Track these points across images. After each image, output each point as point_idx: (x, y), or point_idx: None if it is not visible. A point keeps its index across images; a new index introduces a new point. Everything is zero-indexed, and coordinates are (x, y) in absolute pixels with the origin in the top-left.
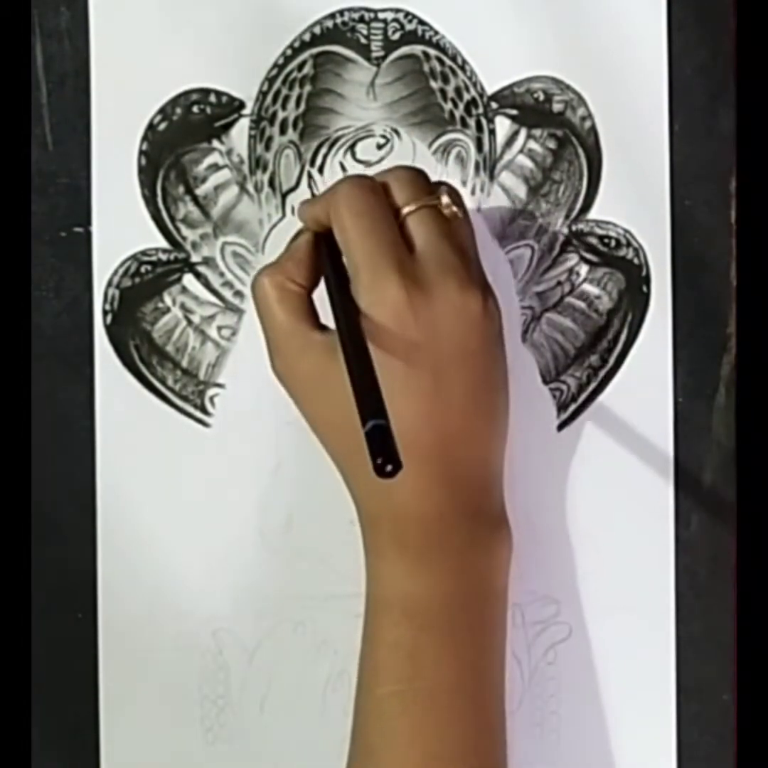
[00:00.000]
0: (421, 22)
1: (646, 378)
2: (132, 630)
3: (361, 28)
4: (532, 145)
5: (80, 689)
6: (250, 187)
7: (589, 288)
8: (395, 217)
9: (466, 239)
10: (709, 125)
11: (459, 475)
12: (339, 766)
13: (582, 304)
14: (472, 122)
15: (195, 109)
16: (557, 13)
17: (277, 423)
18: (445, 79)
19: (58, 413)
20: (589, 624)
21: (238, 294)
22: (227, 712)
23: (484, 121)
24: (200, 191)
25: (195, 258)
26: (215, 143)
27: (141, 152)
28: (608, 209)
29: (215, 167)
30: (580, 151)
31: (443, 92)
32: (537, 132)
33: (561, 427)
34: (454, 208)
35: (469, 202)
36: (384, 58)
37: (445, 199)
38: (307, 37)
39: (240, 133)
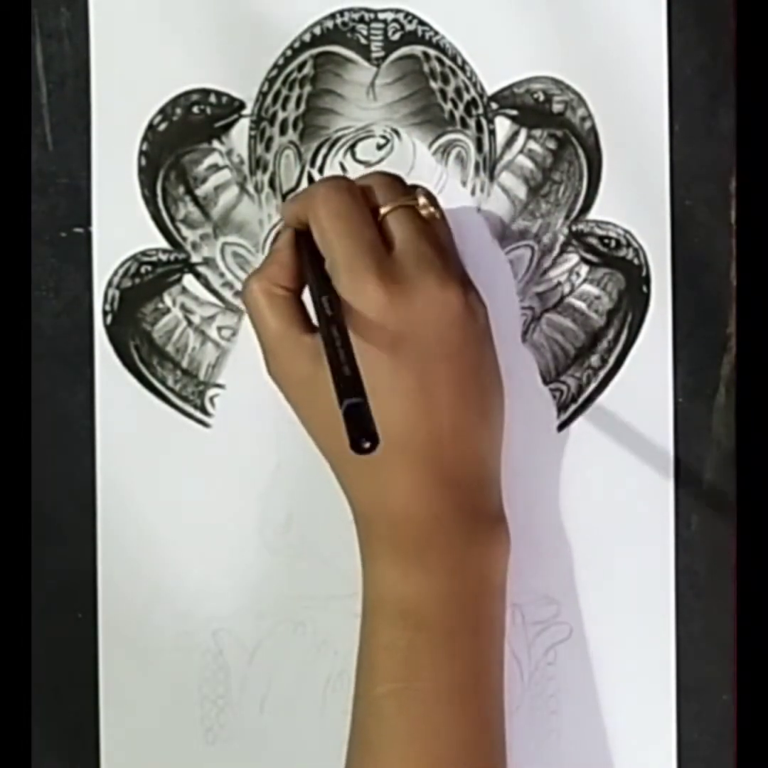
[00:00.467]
0: (421, 23)
1: (646, 378)
2: (132, 630)
3: (361, 28)
4: (532, 145)
5: (80, 689)
6: (250, 187)
7: (589, 288)
8: (374, 218)
9: (443, 238)
10: (709, 125)
11: (452, 474)
12: (339, 766)
13: (582, 305)
14: (472, 123)
15: (195, 109)
16: (557, 14)
17: (277, 423)
18: (445, 80)
19: (58, 413)
20: (589, 624)
21: (239, 294)
22: (227, 713)
23: (484, 122)
24: (200, 192)
25: (195, 258)
26: (215, 144)
27: (141, 152)
28: (608, 209)
29: (215, 168)
30: (580, 151)
31: (443, 93)
32: (537, 132)
33: (561, 427)
34: (431, 209)
35: (469, 202)
36: (384, 58)
37: (421, 200)
38: (307, 37)
39: (240, 133)
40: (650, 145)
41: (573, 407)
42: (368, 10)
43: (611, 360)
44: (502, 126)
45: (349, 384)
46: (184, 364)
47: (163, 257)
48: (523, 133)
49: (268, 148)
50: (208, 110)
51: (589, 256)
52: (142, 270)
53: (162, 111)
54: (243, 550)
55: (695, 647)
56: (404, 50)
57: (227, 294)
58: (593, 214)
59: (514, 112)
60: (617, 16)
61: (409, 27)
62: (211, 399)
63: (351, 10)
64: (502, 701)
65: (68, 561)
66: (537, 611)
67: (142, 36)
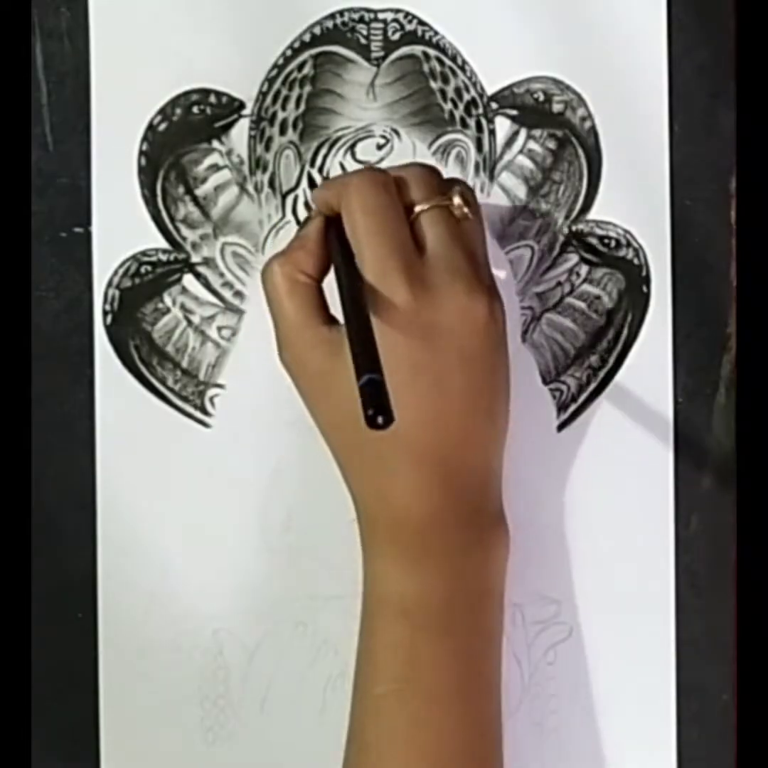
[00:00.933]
0: (421, 23)
1: (646, 378)
2: (132, 630)
3: (361, 28)
4: (532, 145)
5: (80, 689)
6: (250, 187)
7: (589, 288)
8: (407, 215)
9: (476, 241)
10: (709, 125)
11: (457, 476)
12: (339, 766)
13: (582, 305)
14: (472, 122)
15: (195, 109)
16: (557, 14)
17: (278, 423)
18: (445, 80)
19: (58, 413)
20: (589, 624)
21: (238, 294)
22: (227, 712)
23: (484, 122)
24: (200, 191)
25: (195, 258)
26: (215, 144)
27: (141, 152)
28: (608, 209)
29: (215, 168)
30: (580, 151)
31: (443, 92)
32: (537, 132)
33: (561, 427)
34: (466, 209)
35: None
36: (384, 58)
37: (456, 200)
38: (307, 37)
39: (240, 133)
40: (650, 145)
41: (573, 407)
42: (368, 10)
43: (611, 360)
44: (502, 126)
45: (367, 360)
46: (184, 364)
47: (163, 257)
48: (523, 133)
49: (267, 148)
50: (208, 110)
51: (589, 256)
52: (142, 270)
53: (162, 111)
54: (243, 550)
55: (695, 647)
56: (404, 50)
57: (227, 294)
58: (593, 214)
59: (514, 112)
60: (617, 16)
61: (409, 27)
62: (211, 399)
63: (351, 10)
64: (499, 701)
65: (68, 561)
66: (537, 611)
67: (141, 36)
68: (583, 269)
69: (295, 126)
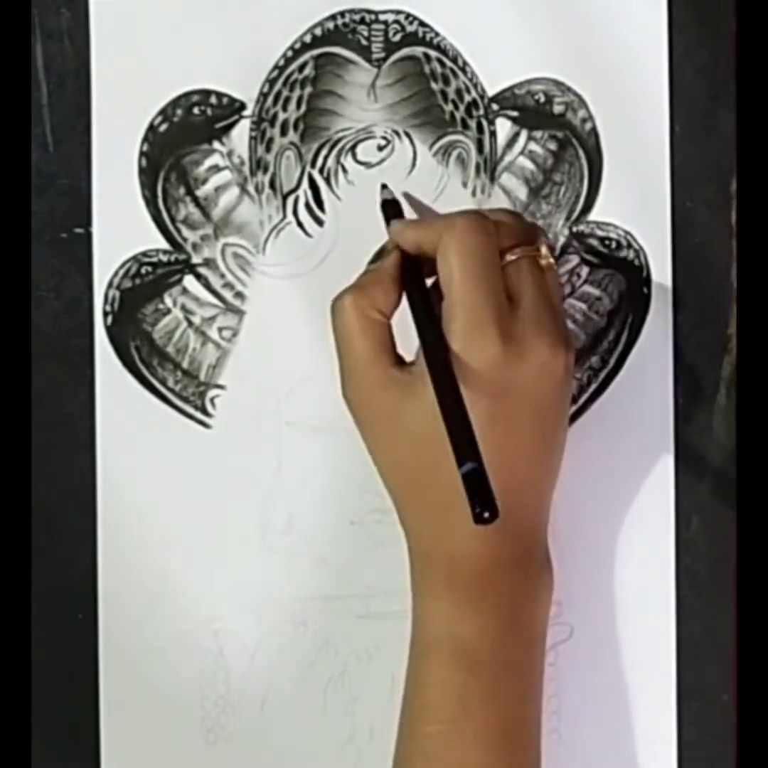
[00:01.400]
0: (422, 24)
1: (647, 379)
2: (132, 630)
3: (362, 29)
4: (533, 146)
5: (80, 689)
6: (250, 188)
7: (590, 289)
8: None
9: (557, 290)
10: (709, 126)
11: (516, 520)
12: (339, 766)
13: (583, 306)
14: (472, 124)
15: (196, 110)
16: (558, 15)
17: (278, 424)
18: (446, 81)
19: (59, 414)
20: (590, 625)
21: (239, 295)
22: (228, 713)
23: (484, 123)
24: (201, 192)
25: (196, 259)
26: (216, 144)
27: (141, 153)
28: (609, 211)
29: (216, 168)
30: (581, 152)
31: (444, 94)
32: (538, 134)
33: None
34: (551, 260)
35: (470, 204)
36: (385, 59)
37: (544, 250)
38: (307, 38)
39: (241, 134)
40: (651, 147)
41: (573, 408)
42: (369, 11)
43: (612, 361)
44: (503, 127)
45: (466, 445)
46: (185, 364)
47: (164, 258)
48: (524, 134)
49: (268, 149)
50: (209, 111)
51: (589, 258)
52: (143, 271)
53: (162, 112)
54: (244, 551)
55: (695, 647)
56: (405, 51)
57: (228, 295)
58: (594, 216)
59: (514, 114)
60: (618, 18)
61: (409, 28)
62: (212, 400)
63: (352, 11)
64: (540, 741)
65: (68, 561)
66: None
67: (142, 37)
68: (584, 270)
69: (295, 127)
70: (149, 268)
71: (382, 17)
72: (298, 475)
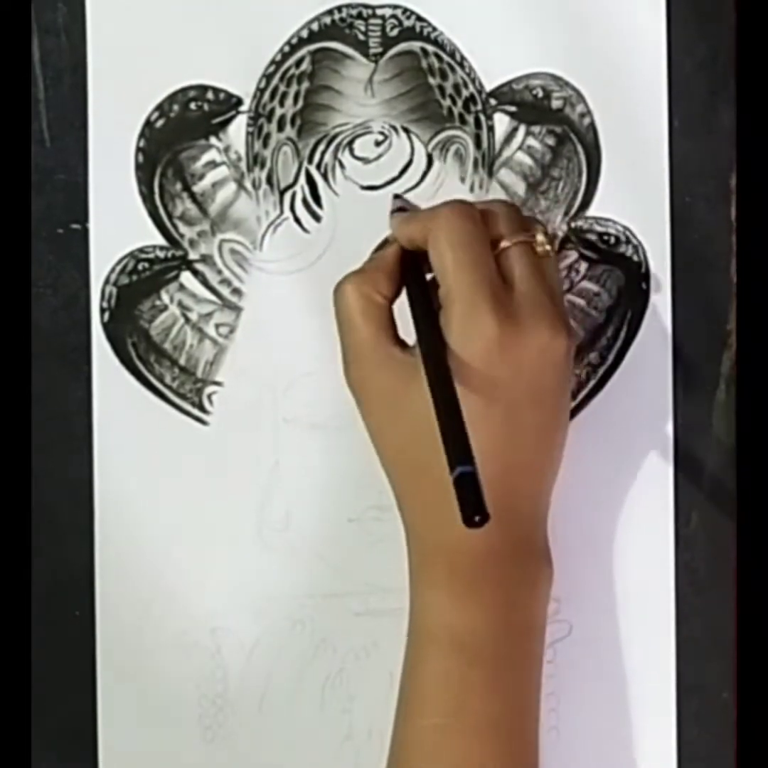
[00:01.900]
0: (420, 19)
1: (646, 375)
2: (130, 628)
3: (359, 24)
4: (531, 141)
5: (78, 687)
6: (247, 184)
7: (589, 285)
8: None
9: (556, 278)
10: (708, 122)
11: (515, 509)
12: (337, 764)
13: (581, 302)
14: (470, 119)
15: (192, 105)
16: (556, 10)
17: (275, 421)
18: (444, 76)
19: (56, 411)
20: (589, 622)
21: (236, 291)
22: (226, 711)
23: (482, 118)
24: (198, 188)
25: (193, 255)
26: (213, 140)
27: (138, 149)
28: (607, 206)
29: (213, 164)
30: (579, 147)
31: (442, 89)
32: (536, 129)
33: None
34: (547, 247)
35: (468, 199)
36: (382, 54)
37: (540, 237)
38: (304, 33)
39: (237, 130)
40: (650, 142)
41: (572, 404)
42: (366, 6)
43: (611, 357)
44: (501, 122)
45: (459, 448)
46: (182, 361)
47: (161, 254)
48: (522, 129)
49: (265, 145)
50: (206, 107)
51: (588, 253)
52: (140, 267)
53: (159, 107)
54: (241, 548)
55: (695, 645)
56: (402, 46)
57: (225, 291)
58: (592, 211)
59: (512, 109)
60: (617, 12)
61: (407, 23)
62: (209, 396)
63: (349, 5)
64: (538, 735)
65: (66, 558)
66: None
67: (139, 32)
68: (583, 266)
69: (293, 122)
70: (146, 265)
71: (379, 12)
72: (296, 472)
